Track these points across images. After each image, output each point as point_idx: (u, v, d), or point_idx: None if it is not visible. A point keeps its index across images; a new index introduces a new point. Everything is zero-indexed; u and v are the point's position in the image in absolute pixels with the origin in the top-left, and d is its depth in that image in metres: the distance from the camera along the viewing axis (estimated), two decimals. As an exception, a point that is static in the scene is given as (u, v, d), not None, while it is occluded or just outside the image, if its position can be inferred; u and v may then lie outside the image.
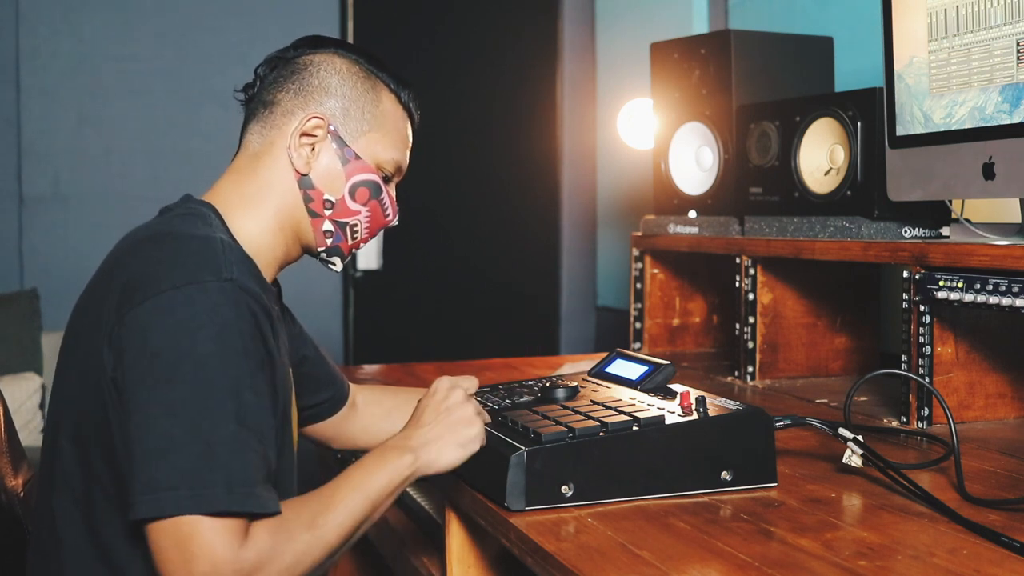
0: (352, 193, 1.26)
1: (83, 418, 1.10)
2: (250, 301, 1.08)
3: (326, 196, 1.25)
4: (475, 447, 1.19)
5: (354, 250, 1.33)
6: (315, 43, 1.30)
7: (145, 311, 1.04)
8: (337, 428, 1.49)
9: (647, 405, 1.26)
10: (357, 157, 1.26)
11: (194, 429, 0.99)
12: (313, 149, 1.25)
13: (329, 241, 1.28)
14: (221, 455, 0.99)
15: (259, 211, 1.23)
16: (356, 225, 1.29)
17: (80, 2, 3.50)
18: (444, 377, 1.25)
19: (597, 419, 1.19)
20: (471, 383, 1.34)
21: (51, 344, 3.27)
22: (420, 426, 1.18)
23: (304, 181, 1.25)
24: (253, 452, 1.02)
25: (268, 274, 1.23)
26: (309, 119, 1.24)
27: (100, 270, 1.17)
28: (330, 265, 1.32)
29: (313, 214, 1.26)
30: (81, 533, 1.10)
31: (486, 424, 1.23)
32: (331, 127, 1.25)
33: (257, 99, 1.28)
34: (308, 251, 1.31)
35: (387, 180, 1.31)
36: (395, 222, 1.34)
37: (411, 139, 1.35)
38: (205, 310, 1.04)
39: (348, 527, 1.07)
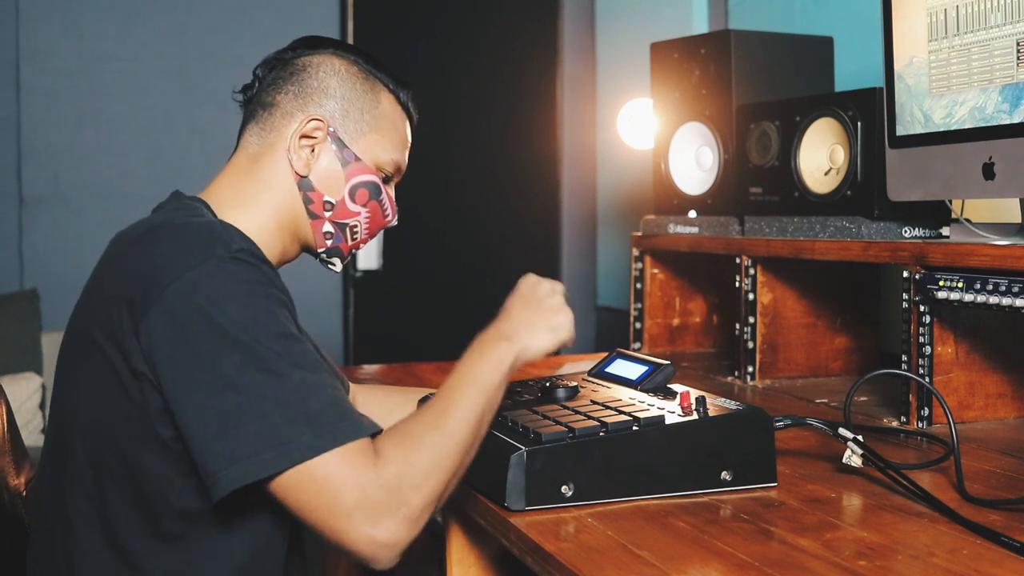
0: (352, 194, 1.27)
1: (94, 416, 1.09)
2: (264, 266, 1.09)
3: (326, 197, 1.26)
4: (565, 334, 1.21)
5: (354, 251, 1.33)
6: (313, 44, 1.30)
7: (168, 301, 1.03)
8: (337, 428, 1.49)
9: (647, 405, 1.26)
10: (357, 158, 1.26)
11: (258, 392, 0.99)
12: (313, 151, 1.25)
13: (329, 242, 1.29)
14: (296, 406, 0.99)
15: (256, 211, 1.23)
16: (356, 226, 1.29)
17: (80, 2, 3.50)
18: (530, 274, 1.26)
19: (597, 419, 1.19)
20: (558, 284, 1.33)
21: (51, 344, 3.27)
22: (510, 315, 1.20)
23: (304, 183, 1.25)
24: (325, 387, 1.02)
25: None
26: (308, 121, 1.24)
27: (97, 270, 1.17)
28: (330, 266, 1.33)
29: (313, 215, 1.26)
30: (95, 531, 1.10)
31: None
32: (331, 129, 1.25)
33: (256, 100, 1.28)
34: (308, 251, 1.31)
35: (386, 181, 1.31)
36: (394, 222, 1.34)
37: (410, 139, 1.35)
38: (226, 281, 1.04)
39: (472, 421, 1.08)
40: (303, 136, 1.24)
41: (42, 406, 3.11)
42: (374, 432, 1.03)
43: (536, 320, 1.19)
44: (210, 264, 1.05)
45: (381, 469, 0.98)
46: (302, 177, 1.25)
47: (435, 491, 1.02)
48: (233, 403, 0.99)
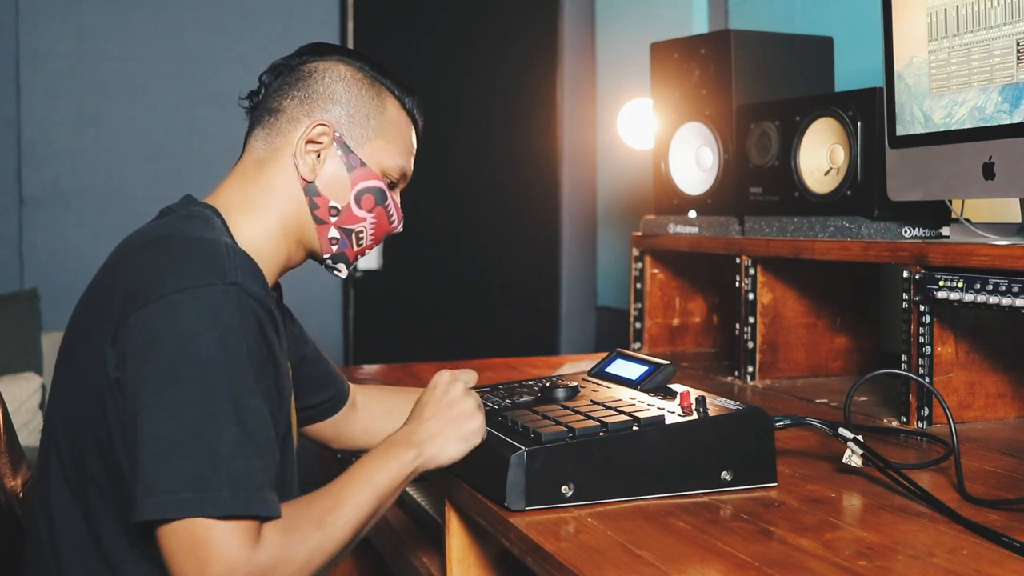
0: (358, 200, 1.27)
1: (81, 419, 1.09)
2: (255, 305, 1.07)
3: (332, 203, 1.26)
4: (477, 440, 1.20)
5: (359, 256, 1.33)
6: (319, 50, 1.30)
7: (149, 314, 1.03)
8: (337, 428, 1.49)
9: (647, 405, 1.26)
10: (362, 164, 1.26)
11: (197, 433, 0.99)
12: (319, 156, 1.25)
13: (335, 248, 1.28)
14: (224, 459, 0.99)
15: (262, 216, 1.23)
16: (362, 232, 1.29)
17: (80, 2, 3.50)
18: (444, 371, 1.26)
19: (597, 419, 1.19)
20: (470, 376, 1.34)
21: (51, 344, 3.27)
22: (422, 421, 1.19)
23: (310, 188, 1.25)
24: (256, 456, 1.02)
25: (269, 278, 1.23)
26: (315, 126, 1.24)
27: (101, 271, 1.17)
28: (335, 272, 1.32)
29: (319, 221, 1.26)
30: (80, 533, 1.10)
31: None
32: (336, 134, 1.25)
33: (262, 106, 1.28)
34: (313, 257, 1.31)
35: (392, 187, 1.31)
36: (400, 229, 1.34)
37: (416, 146, 1.35)
38: (209, 314, 1.03)
39: (356, 524, 1.08)
40: (309, 141, 1.24)
41: (42, 406, 3.11)
42: (270, 516, 1.01)
43: (447, 429, 1.18)
44: (201, 291, 1.04)
45: (255, 555, 0.98)
46: (308, 182, 1.25)
47: None
48: (170, 435, 0.99)
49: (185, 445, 0.99)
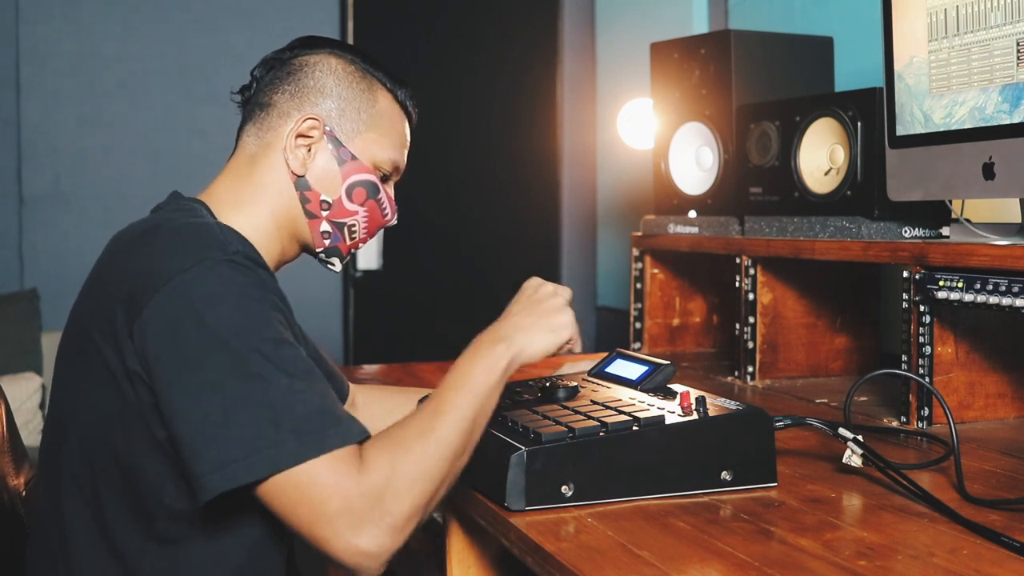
0: (349, 193, 1.26)
1: (91, 416, 1.09)
2: (259, 270, 1.08)
3: (323, 197, 1.25)
4: (565, 334, 1.18)
5: (353, 250, 1.32)
6: (310, 44, 1.30)
7: (162, 299, 1.03)
8: (337, 428, 1.49)
9: (647, 405, 1.26)
10: (353, 157, 1.26)
11: (245, 397, 0.98)
12: (309, 150, 1.25)
13: (327, 242, 1.28)
14: (282, 411, 0.98)
15: (254, 211, 1.23)
16: (354, 225, 1.29)
17: (80, 2, 3.50)
18: (534, 277, 1.24)
19: (597, 419, 1.19)
20: (567, 290, 1.29)
21: (51, 344, 3.27)
22: (510, 316, 1.18)
23: (300, 182, 1.25)
24: (315, 394, 1.01)
25: None
26: (304, 120, 1.24)
27: (95, 270, 1.17)
28: (329, 265, 1.32)
29: (310, 215, 1.26)
30: (91, 531, 1.10)
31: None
32: (327, 128, 1.25)
33: (253, 101, 1.28)
34: (307, 251, 1.31)
35: (385, 180, 1.31)
36: (394, 221, 1.34)
37: (409, 138, 1.35)
38: (219, 284, 1.04)
39: (463, 427, 1.06)
40: (299, 135, 1.24)
41: (42, 406, 3.11)
42: (362, 438, 1.01)
43: (534, 321, 1.17)
44: (205, 266, 1.04)
45: (365, 477, 0.97)
46: (299, 176, 1.24)
47: (421, 500, 1.00)
48: (220, 407, 0.98)
49: (237, 413, 0.98)
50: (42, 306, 3.40)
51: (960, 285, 1.47)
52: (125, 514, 1.09)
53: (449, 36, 3.86)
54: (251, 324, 1.02)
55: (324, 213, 1.26)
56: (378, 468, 0.98)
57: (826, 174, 1.88)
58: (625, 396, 1.33)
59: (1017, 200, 1.61)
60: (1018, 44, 1.43)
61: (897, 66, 1.63)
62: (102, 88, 3.53)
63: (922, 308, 1.56)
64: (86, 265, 1.21)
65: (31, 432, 3.02)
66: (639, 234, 2.36)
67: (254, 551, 1.13)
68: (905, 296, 1.58)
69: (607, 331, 3.81)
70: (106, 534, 1.09)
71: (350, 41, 3.72)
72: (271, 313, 1.05)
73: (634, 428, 1.18)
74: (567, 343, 1.19)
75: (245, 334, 1.01)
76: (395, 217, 1.33)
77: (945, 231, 1.74)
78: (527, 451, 1.12)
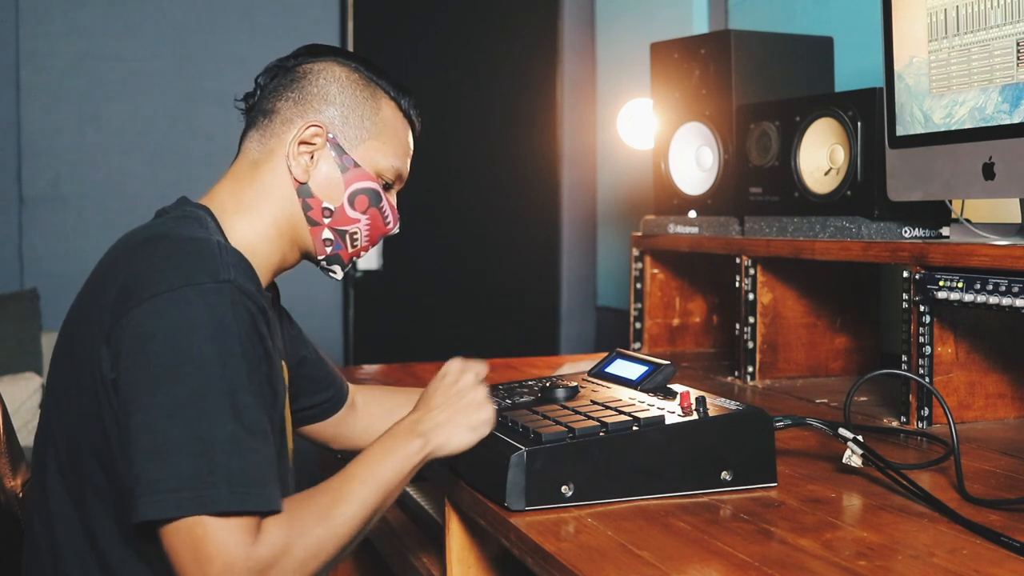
0: (351, 201, 1.26)
1: (77, 420, 1.09)
2: (247, 302, 1.07)
3: (325, 204, 1.25)
4: (485, 431, 1.19)
5: (355, 258, 1.32)
6: (315, 51, 1.30)
7: (142, 313, 1.03)
8: (337, 429, 1.49)
9: (647, 405, 1.26)
10: (356, 165, 1.26)
11: (192, 431, 0.99)
12: (312, 157, 1.24)
13: (329, 249, 1.28)
14: (220, 456, 0.99)
15: (256, 217, 1.23)
16: (356, 233, 1.28)
17: (80, 2, 3.50)
18: (455, 359, 1.24)
19: (597, 419, 1.19)
20: (482, 368, 1.31)
21: (51, 344, 3.27)
22: (430, 409, 1.18)
23: (303, 189, 1.24)
24: (253, 451, 1.02)
25: (264, 278, 1.22)
26: (307, 127, 1.24)
27: (95, 272, 1.17)
28: (330, 273, 1.32)
29: (312, 222, 1.26)
30: (78, 535, 1.10)
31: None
32: (330, 135, 1.25)
33: (257, 108, 1.28)
34: (308, 258, 1.31)
35: (387, 188, 1.31)
36: (396, 230, 1.33)
37: (412, 147, 1.34)
38: (202, 311, 1.03)
39: (361, 517, 1.07)
40: (302, 142, 1.24)
41: (41, 406, 3.11)
42: (270, 510, 1.01)
43: (455, 418, 1.17)
44: (192, 290, 1.04)
45: (254, 551, 0.98)
46: (301, 184, 1.24)
47: None
48: (166, 433, 0.99)
49: (181, 443, 0.99)
50: (42, 306, 3.40)
51: (960, 285, 1.47)
52: (110, 520, 1.08)
53: (449, 36, 3.86)
54: (221, 360, 1.02)
55: (326, 220, 1.26)
56: (271, 545, 0.99)
57: (826, 174, 1.88)
58: (625, 396, 1.33)
59: (1017, 200, 1.61)
60: (1018, 44, 1.42)
61: (897, 66, 1.63)
62: (102, 88, 3.53)
63: (922, 308, 1.56)
64: (86, 265, 1.21)
65: (31, 432, 3.02)
66: (639, 234, 2.36)
67: None
68: (905, 296, 1.58)
69: (607, 331, 3.81)
70: (92, 539, 1.09)
71: (350, 41, 3.72)
72: (243, 355, 1.04)
73: (634, 428, 1.18)
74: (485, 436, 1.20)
75: (212, 369, 1.02)
76: (397, 226, 1.33)
77: (945, 231, 1.74)
78: (527, 451, 1.12)
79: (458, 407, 1.18)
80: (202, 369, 1.01)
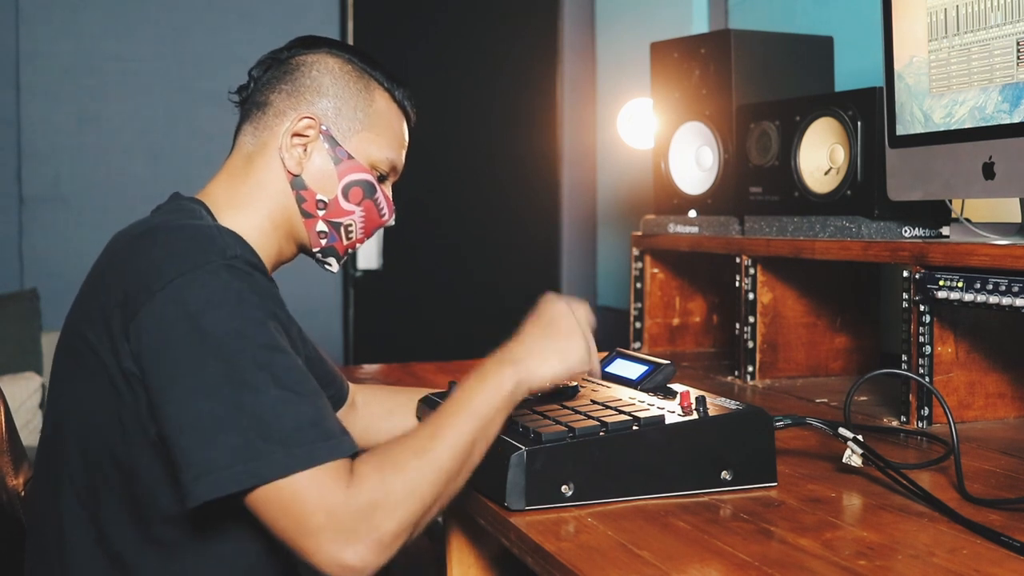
0: (345, 193, 1.26)
1: (88, 417, 1.09)
2: (257, 274, 1.07)
3: (319, 196, 1.25)
4: (575, 359, 1.16)
5: (350, 250, 1.32)
6: (308, 43, 1.30)
7: (157, 304, 1.02)
8: (337, 428, 1.49)
9: (647, 405, 1.26)
10: (350, 157, 1.26)
11: (237, 405, 0.98)
12: (305, 149, 1.24)
13: (323, 241, 1.28)
14: (272, 422, 0.97)
15: (251, 211, 1.23)
16: (351, 225, 1.28)
17: (80, 2, 3.50)
18: (550, 293, 1.22)
19: (597, 419, 1.19)
20: (580, 304, 1.26)
21: (51, 344, 3.27)
22: (520, 338, 1.17)
23: (297, 182, 1.24)
24: (306, 405, 1.00)
25: None
26: (300, 119, 1.24)
27: (94, 269, 1.17)
28: (326, 266, 1.32)
29: (306, 215, 1.26)
30: (88, 533, 1.10)
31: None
32: (323, 127, 1.25)
33: (251, 100, 1.28)
34: (304, 251, 1.31)
35: (382, 179, 1.31)
36: (391, 222, 1.33)
37: (407, 138, 1.34)
38: (217, 289, 1.03)
39: (460, 449, 1.04)
40: (295, 134, 1.24)
41: (42, 406, 3.11)
42: (353, 453, 1.00)
43: (546, 344, 1.15)
44: (203, 270, 1.04)
45: (353, 492, 0.96)
46: (295, 176, 1.24)
47: (410, 518, 0.99)
48: (210, 414, 0.98)
49: (227, 420, 0.97)
50: (42, 306, 3.40)
51: (960, 285, 1.47)
52: (121, 516, 1.08)
53: (449, 36, 3.86)
54: (247, 331, 1.01)
55: (320, 212, 1.26)
56: (368, 484, 0.98)
57: (826, 174, 1.88)
58: (625, 396, 1.33)
59: (1017, 200, 1.61)
60: (1018, 44, 1.42)
61: (897, 66, 1.63)
62: (102, 88, 3.53)
63: (922, 308, 1.56)
64: (86, 265, 1.21)
65: (31, 432, 3.02)
66: (639, 234, 2.36)
67: (255, 559, 1.12)
68: (905, 296, 1.58)
69: (607, 331, 3.80)
70: (102, 536, 1.09)
71: (350, 41, 3.72)
72: (268, 320, 1.04)
73: (634, 428, 1.17)
74: (583, 373, 1.17)
75: (239, 341, 1.01)
76: (392, 217, 1.33)
77: (945, 231, 1.74)
78: (527, 451, 1.12)
79: (548, 334, 1.16)
80: (229, 343, 1.00)
